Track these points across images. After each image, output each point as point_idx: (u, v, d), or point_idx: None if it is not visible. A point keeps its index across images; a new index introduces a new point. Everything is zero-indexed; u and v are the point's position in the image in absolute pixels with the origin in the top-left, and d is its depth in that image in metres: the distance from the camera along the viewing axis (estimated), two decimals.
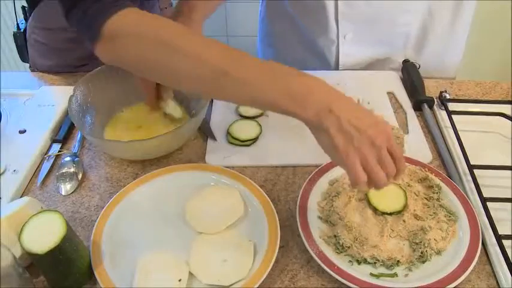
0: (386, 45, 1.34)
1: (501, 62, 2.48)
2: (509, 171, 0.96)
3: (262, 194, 0.92)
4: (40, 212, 0.76)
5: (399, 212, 0.88)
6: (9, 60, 2.72)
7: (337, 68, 1.37)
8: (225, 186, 0.95)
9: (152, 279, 0.79)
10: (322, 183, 0.95)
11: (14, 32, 1.49)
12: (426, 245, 0.83)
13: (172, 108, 1.08)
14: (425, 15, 1.29)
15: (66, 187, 0.99)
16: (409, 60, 1.29)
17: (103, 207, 0.91)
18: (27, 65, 1.48)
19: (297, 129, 1.09)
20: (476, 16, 1.33)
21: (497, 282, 0.81)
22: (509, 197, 0.91)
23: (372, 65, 1.37)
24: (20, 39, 1.46)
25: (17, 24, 1.44)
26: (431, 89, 1.24)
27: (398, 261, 0.82)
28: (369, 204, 0.89)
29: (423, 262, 0.82)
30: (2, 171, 0.99)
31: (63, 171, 1.01)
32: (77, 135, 1.11)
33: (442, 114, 1.14)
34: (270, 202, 0.90)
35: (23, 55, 1.49)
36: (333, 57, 1.36)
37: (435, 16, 1.29)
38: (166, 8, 1.86)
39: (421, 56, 1.35)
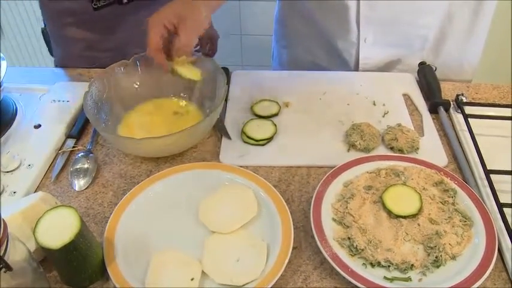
0: (404, 46, 1.33)
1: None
2: None
3: (276, 194, 0.91)
4: (55, 207, 0.76)
5: (414, 216, 0.87)
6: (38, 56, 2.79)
7: (356, 70, 1.36)
8: (239, 186, 0.94)
9: (165, 277, 0.79)
10: (337, 185, 0.94)
11: (42, 28, 1.50)
12: (441, 250, 0.82)
13: (187, 70, 1.09)
14: (445, 17, 1.27)
15: (79, 183, 0.99)
16: (425, 63, 1.28)
17: (116, 204, 0.91)
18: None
19: (312, 130, 1.09)
20: (495, 17, 1.31)
21: None
22: None
23: (389, 66, 1.37)
24: (47, 35, 1.49)
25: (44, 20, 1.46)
26: (448, 91, 1.23)
27: (412, 265, 0.81)
28: (384, 207, 0.89)
29: (437, 267, 0.81)
30: (16, 166, 0.99)
31: (77, 167, 1.02)
32: (92, 132, 1.11)
33: (458, 118, 1.13)
34: (284, 202, 0.90)
35: (51, 50, 1.52)
36: (352, 59, 1.36)
37: (454, 17, 1.28)
38: None
39: (438, 57, 1.34)
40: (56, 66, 1.49)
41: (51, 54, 1.53)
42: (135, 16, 1.37)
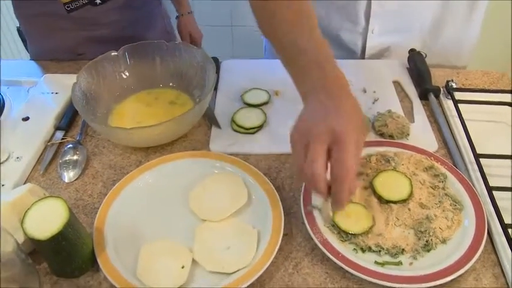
0: (407, 32, 1.33)
1: (509, 51, 2.46)
2: None
3: (267, 182, 0.91)
4: (43, 198, 0.76)
5: (404, 201, 0.87)
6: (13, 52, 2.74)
7: (363, 58, 1.37)
8: (229, 174, 0.94)
9: (155, 266, 0.79)
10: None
11: (17, 27, 1.50)
12: (431, 234, 0.82)
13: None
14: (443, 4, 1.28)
15: (69, 174, 0.98)
16: (415, 49, 1.28)
17: (106, 195, 0.91)
18: None
19: None
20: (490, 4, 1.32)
21: (502, 271, 0.80)
22: None
23: (392, 52, 1.37)
24: (22, 34, 1.48)
25: None
26: (438, 78, 1.23)
27: (403, 249, 0.81)
28: (374, 192, 0.89)
29: (428, 251, 0.81)
30: (4, 158, 0.98)
31: (67, 158, 1.01)
32: (81, 123, 1.11)
33: (448, 104, 1.13)
34: (274, 190, 0.89)
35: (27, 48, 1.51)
36: (358, 49, 1.36)
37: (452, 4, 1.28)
38: (182, 15, 1.85)
39: (438, 41, 1.34)
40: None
41: (27, 51, 1.52)
42: (108, 17, 1.37)
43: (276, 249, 0.79)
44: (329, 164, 0.76)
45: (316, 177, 0.74)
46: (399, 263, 0.80)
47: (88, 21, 1.36)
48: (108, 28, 1.37)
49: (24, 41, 1.51)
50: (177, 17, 1.83)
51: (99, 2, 1.33)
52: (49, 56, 1.36)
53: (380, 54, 1.37)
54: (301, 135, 0.78)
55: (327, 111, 0.77)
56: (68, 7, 1.30)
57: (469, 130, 1.01)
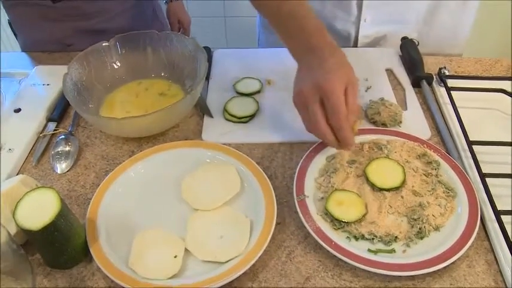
0: (401, 21, 1.33)
1: (503, 40, 2.46)
2: (509, 147, 0.95)
3: (259, 171, 0.91)
4: (34, 189, 0.76)
5: (397, 188, 0.87)
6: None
7: (356, 46, 1.37)
8: (221, 163, 0.94)
9: (148, 255, 0.79)
10: (320, 160, 0.94)
11: (8, 20, 1.48)
12: (424, 221, 0.82)
13: None
14: None
15: (61, 166, 0.98)
16: (407, 37, 1.27)
17: (99, 185, 0.90)
18: None
19: (294, 106, 1.08)
20: None
21: (495, 257, 0.80)
22: (509, 172, 0.90)
23: (386, 40, 1.37)
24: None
25: None
26: (431, 66, 1.23)
27: (396, 237, 0.81)
28: (367, 180, 0.89)
29: (421, 238, 0.81)
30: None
31: (59, 149, 1.01)
32: (73, 114, 1.10)
33: (441, 91, 1.12)
34: (267, 178, 0.89)
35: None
36: (351, 38, 1.36)
37: None
38: (171, 1, 1.83)
39: (432, 30, 1.34)
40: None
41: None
42: (94, 7, 1.36)
43: (269, 238, 0.79)
44: None
45: (323, 135, 0.87)
46: (392, 251, 0.80)
47: (74, 12, 1.34)
48: (95, 18, 1.36)
49: (15, 34, 1.50)
50: (165, 2, 1.82)
51: None
52: (38, 47, 1.35)
53: (375, 43, 1.37)
54: (298, 98, 0.90)
55: (312, 70, 0.88)
56: None
57: (461, 117, 1.01)
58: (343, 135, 0.85)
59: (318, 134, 0.89)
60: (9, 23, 1.50)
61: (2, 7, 1.40)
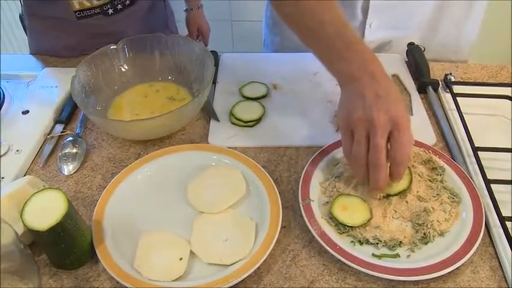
0: (404, 28, 1.33)
1: (509, 46, 2.46)
2: None
3: (265, 174, 0.91)
4: (42, 190, 0.76)
5: (402, 193, 0.87)
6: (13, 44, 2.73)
7: None
8: (227, 166, 0.94)
9: (153, 257, 0.79)
10: (325, 164, 0.94)
11: (19, 15, 1.49)
12: (429, 226, 0.82)
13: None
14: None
15: (68, 167, 0.99)
16: (414, 43, 1.28)
17: (105, 187, 0.91)
18: None
19: (300, 111, 1.09)
20: None
21: (499, 263, 0.80)
22: None
23: (391, 46, 1.37)
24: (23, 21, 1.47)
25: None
26: (437, 71, 1.23)
27: (400, 242, 0.81)
28: None
29: (426, 243, 0.81)
30: (4, 151, 0.99)
31: (66, 151, 1.01)
32: (80, 116, 1.11)
33: (446, 97, 1.13)
34: (272, 182, 0.90)
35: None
36: None
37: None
38: (192, 9, 1.82)
39: (436, 36, 1.34)
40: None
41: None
42: (117, 27, 1.37)
43: (274, 242, 0.80)
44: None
45: (379, 167, 0.80)
46: (397, 256, 0.80)
47: (95, 29, 1.35)
48: (115, 37, 1.37)
49: (25, 28, 1.51)
50: (186, 10, 1.82)
51: (111, 12, 1.33)
52: (50, 53, 1.36)
53: (380, 49, 1.37)
54: (361, 124, 0.80)
55: (380, 98, 0.80)
56: (78, 14, 1.30)
57: (467, 123, 1.01)
58: (398, 173, 0.81)
59: (371, 164, 0.80)
60: (20, 18, 1.50)
61: (1, 7, 1.40)
